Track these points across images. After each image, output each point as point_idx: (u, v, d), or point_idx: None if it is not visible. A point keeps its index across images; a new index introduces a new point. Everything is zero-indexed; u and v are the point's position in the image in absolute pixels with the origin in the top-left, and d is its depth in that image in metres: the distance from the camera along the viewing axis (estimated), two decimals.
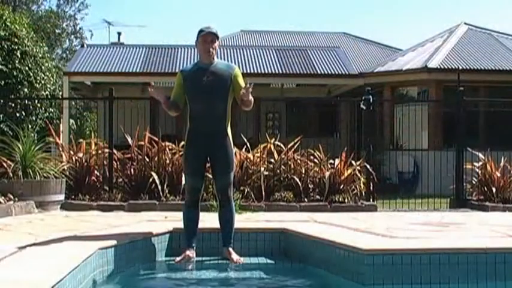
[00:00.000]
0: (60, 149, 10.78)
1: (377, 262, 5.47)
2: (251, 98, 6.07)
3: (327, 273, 5.99)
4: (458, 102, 11.41)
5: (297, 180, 10.27)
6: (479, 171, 11.07)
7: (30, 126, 10.65)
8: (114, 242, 5.95)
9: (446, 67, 17.38)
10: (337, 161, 10.57)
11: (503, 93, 16.98)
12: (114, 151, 10.42)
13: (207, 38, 6.14)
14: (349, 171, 10.41)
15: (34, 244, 5.76)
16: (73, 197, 9.95)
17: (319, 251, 6.33)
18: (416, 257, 5.54)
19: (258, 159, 10.46)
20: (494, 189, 10.62)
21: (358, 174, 10.51)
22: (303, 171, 10.51)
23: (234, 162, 6.36)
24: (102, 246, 5.68)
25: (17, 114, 10.81)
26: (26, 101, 11.03)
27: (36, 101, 11.26)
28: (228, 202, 6.32)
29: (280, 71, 19.16)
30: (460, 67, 17.14)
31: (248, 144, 10.70)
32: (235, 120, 17.39)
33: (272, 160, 10.60)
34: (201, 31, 6.18)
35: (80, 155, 10.55)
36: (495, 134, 16.49)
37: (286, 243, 6.88)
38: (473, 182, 11.18)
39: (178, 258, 6.15)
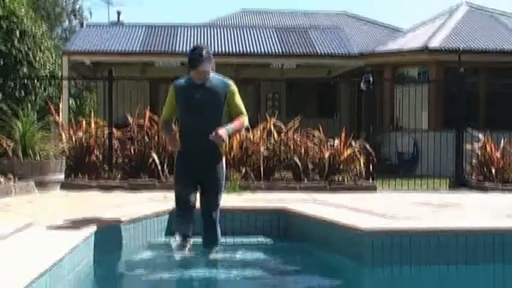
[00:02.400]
0: (60, 128, 10.76)
1: (376, 242, 5.49)
2: (232, 130, 5.78)
3: (326, 253, 6.01)
4: (458, 83, 11.38)
5: (297, 160, 10.27)
6: (479, 152, 11.07)
7: (29, 105, 10.62)
8: (113, 222, 5.97)
9: (446, 48, 17.33)
10: (336, 141, 10.57)
11: (504, 74, 16.95)
12: (114, 131, 10.41)
13: (198, 72, 5.70)
14: (348, 151, 10.41)
15: (34, 224, 5.77)
16: (73, 176, 9.95)
17: (318, 231, 6.35)
18: (415, 237, 5.55)
19: (258, 140, 10.45)
20: (493, 170, 10.63)
21: (358, 155, 10.51)
22: (303, 152, 10.51)
23: (223, 183, 5.96)
24: (101, 226, 5.69)
25: (17, 94, 10.77)
26: (26, 81, 10.99)
27: (36, 81, 11.21)
28: (213, 226, 5.86)
29: (281, 52, 19.09)
30: (461, 48, 17.08)
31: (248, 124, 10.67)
32: None
33: (272, 140, 10.59)
34: (193, 61, 5.65)
35: (80, 134, 10.54)
36: (495, 115, 16.47)
37: (285, 223, 6.89)
38: (473, 163, 11.19)
39: (174, 245, 5.80)
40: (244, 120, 5.88)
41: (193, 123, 5.73)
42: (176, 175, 5.95)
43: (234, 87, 5.86)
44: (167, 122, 6.05)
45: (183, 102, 5.79)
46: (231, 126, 5.74)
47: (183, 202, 5.76)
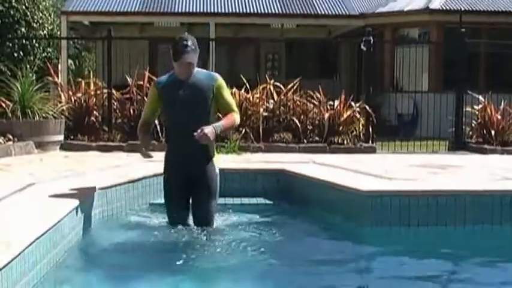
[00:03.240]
0: (59, 89, 10.73)
1: (375, 203, 5.52)
2: (222, 128, 5.11)
3: (326, 214, 6.04)
4: (459, 44, 11.31)
5: (296, 121, 10.27)
6: (479, 114, 11.06)
7: (28, 66, 10.57)
8: (113, 182, 5.99)
9: (448, 8, 17.16)
10: (336, 102, 10.55)
11: (506, 35, 16.82)
12: (113, 91, 10.39)
13: (182, 64, 5.12)
14: (348, 112, 10.40)
15: (34, 184, 5.79)
16: (72, 137, 9.95)
17: (318, 192, 6.37)
18: (414, 198, 5.58)
19: (257, 100, 10.43)
20: (493, 132, 10.63)
21: (358, 116, 10.50)
22: (302, 113, 10.50)
23: (217, 189, 5.36)
24: (101, 187, 5.71)
25: (15, 54, 10.72)
26: (24, 41, 10.93)
27: (34, 41, 11.15)
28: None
29: (280, 11, 18.91)
30: (462, 8, 16.91)
31: (247, 85, 10.65)
32: (235, 62, 17.12)
33: (271, 101, 10.57)
34: (176, 53, 5.08)
35: (79, 95, 10.52)
36: (496, 76, 16.40)
37: (285, 184, 6.91)
38: (473, 125, 11.18)
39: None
40: (236, 118, 5.29)
41: (179, 124, 5.22)
42: (165, 191, 5.41)
43: (221, 80, 5.29)
44: (147, 123, 5.55)
45: (168, 102, 5.27)
46: (220, 123, 5.13)
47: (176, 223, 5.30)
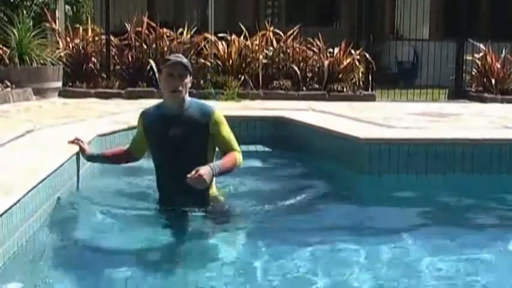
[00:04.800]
0: (57, 35, 10.63)
1: (374, 151, 5.52)
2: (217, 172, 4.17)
3: (325, 162, 6.05)
4: None
5: (296, 68, 10.22)
6: (479, 63, 11.00)
7: (25, 11, 10.43)
8: (112, 129, 5.99)
9: None
10: (336, 50, 10.48)
11: None
12: (111, 38, 10.30)
13: (172, 70, 4.26)
14: (348, 60, 10.34)
15: (33, 131, 5.78)
16: (71, 84, 9.90)
17: (317, 140, 6.38)
18: (413, 146, 5.58)
19: (257, 47, 10.35)
20: (493, 81, 10.59)
21: (357, 64, 10.44)
22: (302, 60, 10.45)
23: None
24: (100, 133, 5.72)
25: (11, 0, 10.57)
26: None
27: None
28: None
29: None
30: None
31: (246, 32, 10.56)
32: (234, 9, 16.89)
33: (271, 48, 10.51)
34: (166, 60, 4.42)
35: (77, 41, 10.44)
36: (498, 25, 16.24)
37: (284, 132, 6.92)
38: (473, 73, 11.13)
39: None
40: (237, 158, 4.42)
41: (169, 169, 4.40)
42: None
43: (218, 114, 4.41)
44: (130, 153, 4.74)
45: (153, 141, 4.49)
46: (219, 163, 4.25)
47: None
